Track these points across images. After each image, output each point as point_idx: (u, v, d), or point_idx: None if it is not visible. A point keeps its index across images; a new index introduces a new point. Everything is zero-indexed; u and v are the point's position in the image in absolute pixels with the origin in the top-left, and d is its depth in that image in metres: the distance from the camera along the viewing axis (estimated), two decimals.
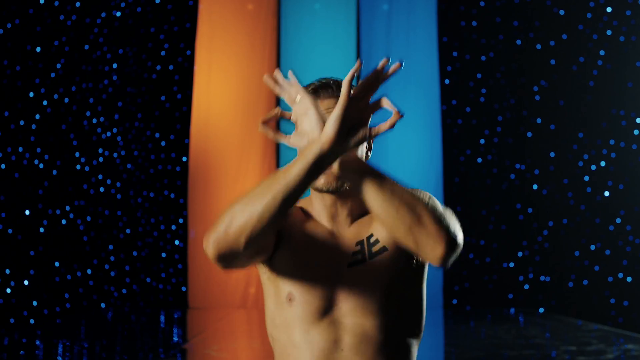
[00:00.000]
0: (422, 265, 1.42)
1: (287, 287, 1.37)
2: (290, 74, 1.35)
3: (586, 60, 7.66)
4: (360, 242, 1.39)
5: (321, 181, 1.36)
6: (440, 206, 1.32)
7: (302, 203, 1.46)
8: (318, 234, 1.41)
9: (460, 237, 1.29)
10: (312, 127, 1.27)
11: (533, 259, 7.59)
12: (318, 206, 1.42)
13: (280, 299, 1.39)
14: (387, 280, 1.37)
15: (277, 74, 1.35)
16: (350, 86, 1.24)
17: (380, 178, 1.27)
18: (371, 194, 1.27)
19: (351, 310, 1.35)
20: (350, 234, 1.40)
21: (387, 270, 1.37)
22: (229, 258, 1.27)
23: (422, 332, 1.43)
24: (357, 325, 1.35)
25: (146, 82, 7.67)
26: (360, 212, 1.42)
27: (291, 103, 1.33)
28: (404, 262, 1.39)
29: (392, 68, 1.27)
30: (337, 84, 1.43)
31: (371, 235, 1.39)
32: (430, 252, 1.26)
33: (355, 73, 1.24)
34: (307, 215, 1.44)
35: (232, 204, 1.28)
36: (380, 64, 1.25)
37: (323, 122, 1.26)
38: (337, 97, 1.37)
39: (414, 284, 1.42)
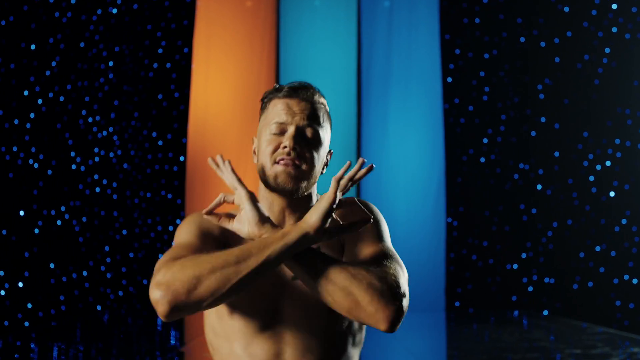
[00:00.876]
0: None
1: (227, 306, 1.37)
2: (224, 163, 1.36)
3: (591, 58, 7.65)
4: None
5: (279, 174, 1.37)
6: (384, 272, 1.27)
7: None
8: None
9: (405, 303, 1.25)
10: (250, 219, 1.29)
11: (537, 260, 7.59)
12: (265, 208, 1.41)
13: (220, 310, 1.38)
14: None
15: (218, 158, 1.37)
16: (339, 183, 1.27)
17: (313, 264, 1.26)
18: (305, 281, 1.27)
19: (294, 323, 1.36)
20: None
21: None
22: (182, 314, 1.24)
23: (364, 339, 1.44)
24: (299, 338, 1.36)
25: (143, 81, 7.67)
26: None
27: (232, 188, 1.35)
28: None
29: (363, 171, 1.30)
30: (313, 89, 1.44)
31: (318, 247, 1.38)
32: (375, 326, 1.24)
33: (344, 172, 1.28)
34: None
35: (194, 264, 1.24)
36: (355, 167, 1.29)
37: (259, 217, 1.29)
38: (311, 102, 1.41)
39: None
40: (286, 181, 1.36)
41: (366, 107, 7.59)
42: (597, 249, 7.49)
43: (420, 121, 7.55)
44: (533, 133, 7.75)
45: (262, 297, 1.36)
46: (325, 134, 1.43)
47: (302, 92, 1.42)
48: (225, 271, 1.22)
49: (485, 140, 7.78)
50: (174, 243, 1.40)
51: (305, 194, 1.40)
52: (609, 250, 7.46)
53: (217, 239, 1.38)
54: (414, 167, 7.50)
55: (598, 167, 7.58)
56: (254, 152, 1.46)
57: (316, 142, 1.40)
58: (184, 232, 1.39)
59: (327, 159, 1.45)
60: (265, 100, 1.45)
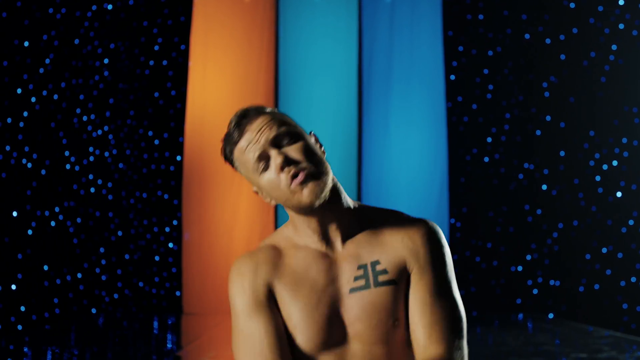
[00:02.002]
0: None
1: (288, 321, 1.37)
2: None
3: (597, 55, 7.65)
4: (363, 267, 1.37)
5: (305, 198, 1.33)
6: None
7: (282, 234, 1.44)
8: (310, 259, 1.39)
9: None
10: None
11: (542, 262, 7.59)
12: (304, 230, 1.40)
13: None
14: (393, 307, 1.37)
15: None
16: None
17: None
18: None
19: (358, 337, 1.36)
20: (348, 254, 1.39)
21: (393, 299, 1.37)
22: None
23: None
24: (365, 350, 1.35)
25: (139, 78, 7.67)
26: (350, 227, 1.40)
27: None
28: (407, 293, 1.39)
29: None
30: (248, 108, 1.41)
31: (377, 262, 1.37)
32: None
33: None
34: (291, 243, 1.41)
35: None
36: None
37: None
38: (263, 113, 1.37)
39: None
40: (313, 195, 1.33)
41: (367, 105, 7.59)
42: (604, 250, 7.49)
43: (422, 120, 7.55)
44: (538, 132, 7.75)
45: (321, 313, 1.36)
46: (297, 125, 1.39)
47: (247, 118, 1.38)
48: None
49: (489, 140, 7.78)
50: (233, 319, 1.41)
51: (330, 190, 1.36)
52: (616, 251, 7.46)
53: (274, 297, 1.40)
54: (416, 167, 7.50)
55: (605, 166, 7.58)
56: (258, 194, 1.42)
57: (297, 137, 1.36)
58: (239, 305, 1.39)
59: (318, 142, 1.41)
60: (231, 157, 1.40)
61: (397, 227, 1.41)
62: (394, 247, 1.39)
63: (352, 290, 1.35)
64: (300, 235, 1.41)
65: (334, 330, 1.35)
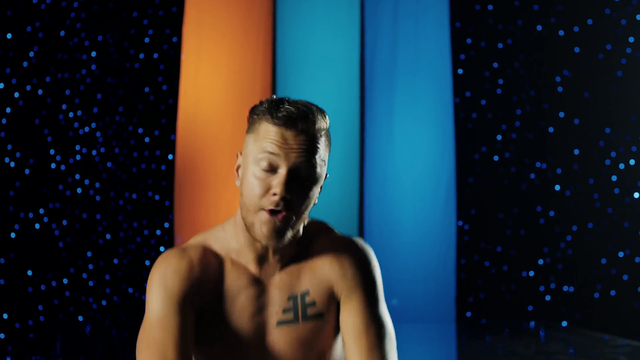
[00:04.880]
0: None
1: (206, 342, 1.39)
2: None
3: (614, 48, 7.65)
4: (293, 298, 1.39)
5: (262, 235, 1.34)
6: None
7: (220, 239, 1.43)
8: (244, 282, 1.39)
9: None
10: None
11: (555, 267, 7.59)
12: (245, 247, 1.40)
13: (199, 348, 1.41)
14: (318, 342, 1.40)
15: None
16: None
17: None
18: None
19: None
20: (280, 283, 1.40)
21: (321, 333, 1.40)
22: None
23: None
24: None
25: (128, 72, 7.67)
26: (288, 256, 1.42)
27: None
28: (336, 327, 1.43)
29: None
30: (313, 115, 1.36)
31: (306, 293, 1.39)
32: None
33: None
34: (229, 255, 1.42)
35: None
36: None
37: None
38: (310, 134, 1.34)
39: (335, 342, 1.46)
40: (269, 237, 1.33)
41: (370, 101, 7.59)
42: (620, 254, 7.49)
43: (428, 116, 7.55)
44: (551, 129, 7.75)
45: (244, 341, 1.38)
46: (323, 166, 1.38)
47: (301, 123, 1.33)
48: None
49: (499, 137, 7.78)
50: (146, 311, 1.40)
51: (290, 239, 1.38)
52: (633, 256, 7.46)
53: (198, 299, 1.39)
54: (422, 166, 7.50)
55: (621, 165, 7.58)
56: (237, 171, 1.43)
57: (311, 181, 1.36)
58: (155, 302, 1.39)
59: (320, 188, 1.41)
60: (255, 118, 1.38)
61: (326, 250, 1.43)
62: (322, 274, 1.41)
63: (280, 323, 1.37)
64: (239, 251, 1.41)
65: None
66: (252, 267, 1.39)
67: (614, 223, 7.54)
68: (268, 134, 1.33)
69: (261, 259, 1.39)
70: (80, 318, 7.42)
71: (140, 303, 7.51)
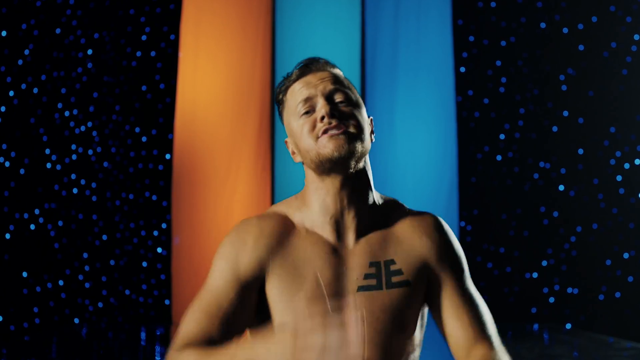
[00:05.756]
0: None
1: (280, 316, 1.35)
2: None
3: (619, 46, 7.65)
4: (376, 264, 1.37)
5: (326, 149, 1.33)
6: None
7: (295, 207, 1.42)
8: (319, 248, 1.37)
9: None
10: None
11: (559, 268, 7.58)
12: (318, 214, 1.38)
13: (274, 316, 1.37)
14: (403, 313, 1.37)
15: None
16: None
17: None
18: None
19: (356, 339, 1.35)
20: (360, 250, 1.38)
21: (405, 303, 1.37)
22: None
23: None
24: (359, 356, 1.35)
25: (125, 71, 7.66)
26: (366, 224, 1.39)
27: None
28: (421, 298, 1.40)
29: None
30: (324, 60, 1.46)
31: (391, 261, 1.37)
32: None
33: None
34: (302, 222, 1.40)
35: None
36: None
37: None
38: (333, 68, 1.44)
39: (419, 313, 1.44)
40: (339, 148, 1.32)
41: (371, 100, 7.58)
42: (626, 255, 7.48)
43: (430, 115, 7.54)
44: (555, 128, 7.74)
45: (320, 310, 1.31)
46: (358, 95, 1.43)
47: (315, 65, 1.42)
48: None
49: (502, 137, 7.77)
50: (207, 277, 1.40)
51: (360, 165, 1.37)
52: (639, 257, 7.45)
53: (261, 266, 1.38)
54: (424, 165, 7.50)
55: (626, 165, 7.57)
56: (293, 153, 1.43)
57: (351, 103, 1.39)
58: (217, 272, 1.38)
59: (371, 126, 1.43)
60: (281, 97, 1.44)
61: (410, 223, 1.41)
62: (411, 245, 1.40)
63: (361, 288, 1.34)
64: (312, 217, 1.39)
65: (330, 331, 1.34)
66: (329, 235, 1.37)
67: (619, 224, 7.53)
68: (294, 92, 1.41)
69: (337, 225, 1.37)
70: (77, 320, 7.42)
71: (137, 305, 7.50)
